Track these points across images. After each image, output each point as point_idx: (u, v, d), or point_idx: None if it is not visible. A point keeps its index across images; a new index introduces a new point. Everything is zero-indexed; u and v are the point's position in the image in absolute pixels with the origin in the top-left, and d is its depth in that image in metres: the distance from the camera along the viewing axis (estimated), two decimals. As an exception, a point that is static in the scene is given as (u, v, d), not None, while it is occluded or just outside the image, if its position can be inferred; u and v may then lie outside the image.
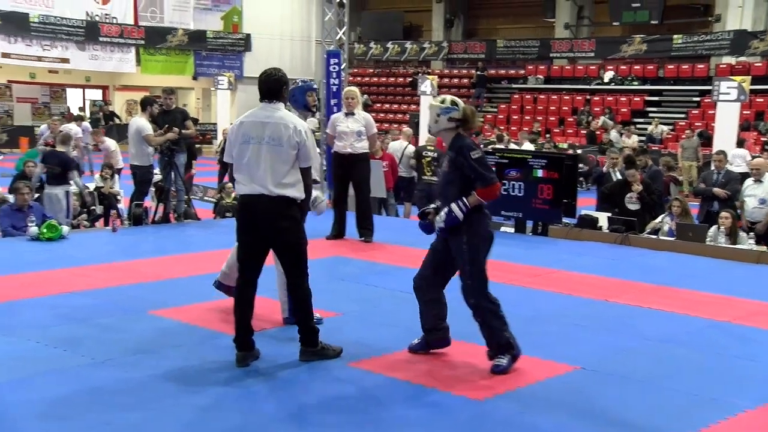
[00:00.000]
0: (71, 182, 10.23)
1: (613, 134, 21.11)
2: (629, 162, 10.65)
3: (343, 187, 8.98)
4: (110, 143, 14.12)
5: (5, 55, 24.73)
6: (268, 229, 4.75)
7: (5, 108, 26.93)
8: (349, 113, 8.74)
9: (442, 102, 4.91)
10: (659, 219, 9.88)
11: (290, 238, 4.80)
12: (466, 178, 4.77)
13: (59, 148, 10.91)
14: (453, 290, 4.93)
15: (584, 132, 22.82)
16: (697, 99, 22.87)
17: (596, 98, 24.59)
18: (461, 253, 4.81)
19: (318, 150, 5.90)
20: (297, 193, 4.77)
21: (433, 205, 5.12)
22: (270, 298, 5.71)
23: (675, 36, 23.83)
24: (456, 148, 4.81)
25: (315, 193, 5.57)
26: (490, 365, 4.81)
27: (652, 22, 24.43)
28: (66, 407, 4.11)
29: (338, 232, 9.01)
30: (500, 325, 4.81)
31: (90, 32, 25.93)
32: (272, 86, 4.83)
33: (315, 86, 6.33)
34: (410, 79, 28.33)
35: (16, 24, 24.38)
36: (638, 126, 22.60)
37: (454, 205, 4.76)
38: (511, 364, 4.81)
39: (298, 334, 4.92)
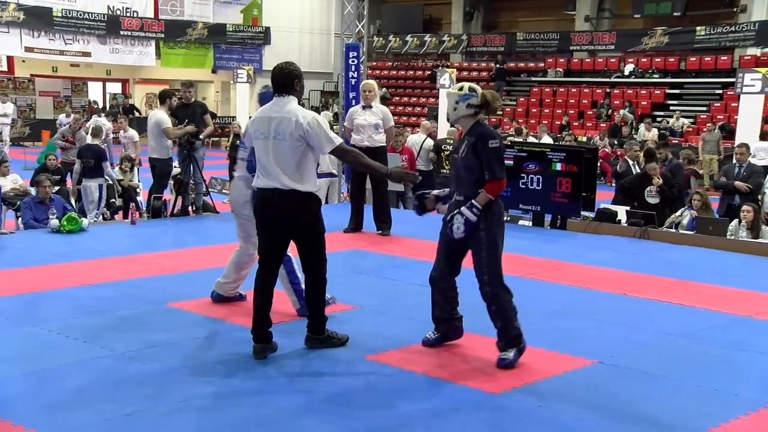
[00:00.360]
0: (105, 175, 10.49)
1: (642, 128, 20.74)
2: (649, 155, 10.57)
3: (360, 181, 9.00)
4: (133, 133, 14.20)
5: (28, 50, 24.96)
6: (283, 223, 4.76)
7: (28, 102, 27.19)
8: (367, 106, 8.75)
9: (460, 89, 4.85)
10: (679, 213, 9.81)
11: (308, 231, 4.81)
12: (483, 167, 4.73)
13: (93, 141, 11.12)
14: (468, 284, 4.92)
15: (607, 125, 22.59)
16: (720, 91, 22.62)
17: (616, 91, 24.39)
18: (479, 242, 4.75)
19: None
20: (309, 186, 4.75)
21: (435, 192, 5.15)
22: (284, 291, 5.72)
23: (698, 28, 23.55)
24: (477, 135, 4.76)
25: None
26: (497, 358, 4.78)
27: (675, 13, 24.17)
28: (85, 398, 4.15)
29: (356, 225, 9.03)
30: (513, 315, 4.78)
31: (111, 26, 26.10)
32: (284, 80, 4.82)
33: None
34: (428, 73, 28.26)
35: (39, 18, 24.61)
36: (659, 119, 22.42)
37: (466, 211, 4.68)
38: (517, 357, 4.78)
39: (307, 320, 4.96)
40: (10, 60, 26.68)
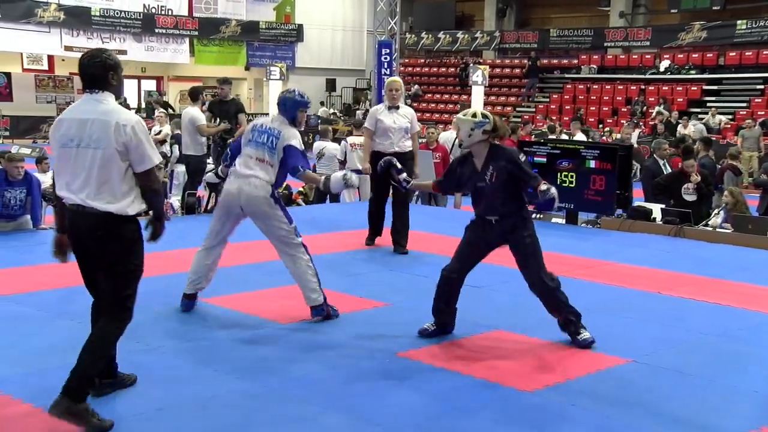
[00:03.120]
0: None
1: (692, 125, 20.24)
2: (687, 152, 10.39)
3: (384, 191, 7.92)
4: (168, 129, 14.37)
5: (68, 48, 25.42)
6: (93, 249, 3.85)
7: (67, 99, 27.63)
8: (393, 107, 7.82)
9: (474, 116, 4.99)
10: (716, 212, 9.66)
11: (114, 265, 3.84)
12: (516, 183, 4.94)
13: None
14: (499, 282, 4.89)
15: (656, 122, 22.14)
16: (761, 87, 22.22)
17: (651, 88, 24.09)
18: (525, 247, 5.01)
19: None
20: (124, 206, 3.80)
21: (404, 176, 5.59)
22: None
23: (739, 21, 23.13)
24: (505, 157, 4.95)
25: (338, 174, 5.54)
26: (577, 340, 5.02)
27: (714, 8, 23.79)
28: (119, 392, 4.20)
29: (374, 238, 8.24)
30: (567, 300, 5.08)
31: (146, 24, 26.44)
32: (95, 72, 3.89)
33: (309, 104, 5.96)
34: (459, 69, 28.16)
35: (78, 18, 25.07)
36: (700, 116, 22.04)
37: (552, 189, 4.88)
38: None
39: (69, 378, 3.75)
40: (50, 59, 27.18)
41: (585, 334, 5.06)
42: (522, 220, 5.02)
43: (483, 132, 4.94)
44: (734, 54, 23.36)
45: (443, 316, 5.21)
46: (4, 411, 3.95)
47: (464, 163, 5.12)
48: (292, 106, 5.57)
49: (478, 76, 23.17)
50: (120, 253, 3.84)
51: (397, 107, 7.86)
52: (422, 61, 30.88)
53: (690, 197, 9.79)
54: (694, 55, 24.26)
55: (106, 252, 3.82)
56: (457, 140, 12.11)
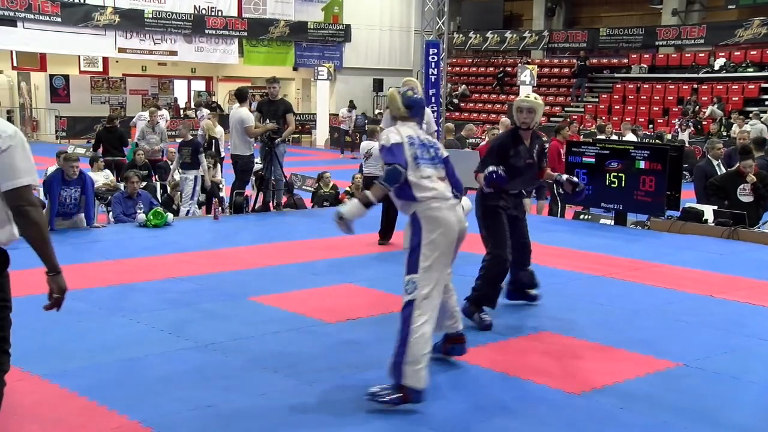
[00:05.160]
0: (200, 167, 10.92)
1: (751, 125, 19.73)
2: (745, 152, 10.12)
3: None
4: (220, 129, 14.54)
5: (121, 50, 25.94)
6: None
7: (120, 100, 28.26)
8: None
9: (536, 98, 5.77)
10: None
11: None
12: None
13: (189, 136, 11.62)
14: (548, 282, 4.85)
15: (693, 122, 21.78)
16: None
17: (704, 87, 23.58)
18: (524, 213, 5.88)
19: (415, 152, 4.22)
20: None
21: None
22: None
23: (801, 16, 22.46)
24: (540, 139, 5.92)
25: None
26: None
27: (776, 2, 23.17)
28: (170, 387, 4.27)
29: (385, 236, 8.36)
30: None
31: (197, 25, 26.82)
32: None
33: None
34: (505, 69, 27.96)
35: (132, 20, 25.55)
36: (761, 115, 21.46)
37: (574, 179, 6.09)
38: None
39: None
40: (104, 61, 27.79)
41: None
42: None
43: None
44: (795, 50, 22.68)
45: (496, 296, 5.54)
46: (62, 404, 4.05)
47: (513, 144, 5.65)
48: (423, 107, 4.67)
49: (527, 75, 23.00)
50: None
51: None
52: (470, 60, 30.76)
53: (746, 198, 9.53)
54: (752, 53, 23.62)
55: None
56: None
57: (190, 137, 11.84)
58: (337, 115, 26.65)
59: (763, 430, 3.92)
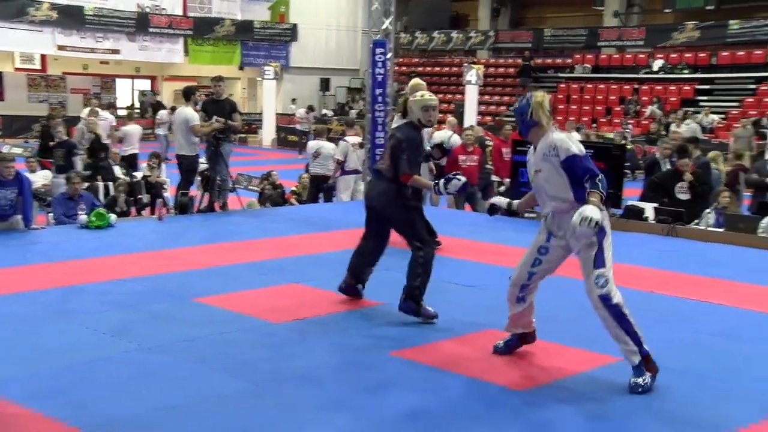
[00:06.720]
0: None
1: (685, 124, 20.27)
2: (682, 151, 10.41)
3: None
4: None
5: (61, 48, 25.32)
6: None
7: (59, 99, 27.58)
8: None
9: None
10: (708, 210, 9.69)
11: None
12: None
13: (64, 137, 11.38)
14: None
15: (635, 121, 22.28)
16: (753, 87, 22.29)
17: (645, 87, 24.15)
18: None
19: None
20: None
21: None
22: (318, 288, 5.71)
23: (731, 21, 23.19)
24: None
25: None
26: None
27: (708, 7, 23.87)
28: (115, 392, 4.20)
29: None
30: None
31: (140, 23, 26.37)
32: None
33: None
34: (457, 69, 28.16)
35: (71, 17, 24.95)
36: (687, 115, 22.11)
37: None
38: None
39: None
40: (43, 58, 27.09)
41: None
42: None
43: None
44: (726, 54, 23.44)
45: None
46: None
47: (420, 140, 5.76)
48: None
49: (473, 75, 23.19)
50: None
51: None
52: (417, 60, 30.90)
53: (683, 196, 9.81)
54: (687, 55, 24.34)
55: None
56: (451, 139, 12.07)
57: (65, 138, 11.60)
58: (290, 114, 26.59)
59: (704, 420, 4.03)
